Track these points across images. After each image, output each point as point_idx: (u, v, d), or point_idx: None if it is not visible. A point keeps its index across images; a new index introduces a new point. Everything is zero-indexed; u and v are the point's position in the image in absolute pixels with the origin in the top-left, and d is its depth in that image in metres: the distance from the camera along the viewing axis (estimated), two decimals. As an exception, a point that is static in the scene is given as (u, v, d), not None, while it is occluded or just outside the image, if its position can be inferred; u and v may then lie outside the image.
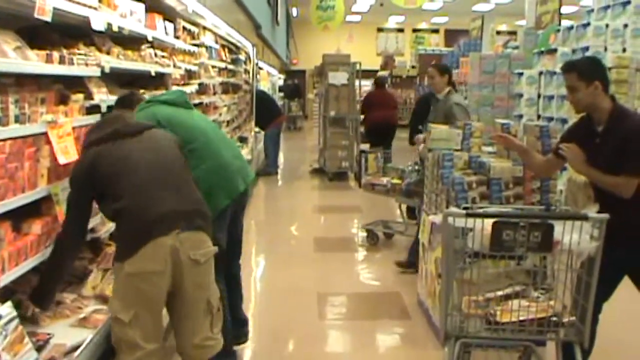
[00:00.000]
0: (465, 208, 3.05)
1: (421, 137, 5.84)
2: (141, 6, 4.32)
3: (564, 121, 7.27)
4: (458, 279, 2.95)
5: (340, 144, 11.68)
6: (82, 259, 3.53)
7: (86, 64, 3.32)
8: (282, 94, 23.02)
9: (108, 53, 3.79)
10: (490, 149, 4.74)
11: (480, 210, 3.01)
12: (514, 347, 3.67)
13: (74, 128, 3.09)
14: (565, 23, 9.52)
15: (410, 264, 5.87)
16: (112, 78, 3.90)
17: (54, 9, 2.77)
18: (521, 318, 2.85)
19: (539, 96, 8.58)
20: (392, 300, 5.31)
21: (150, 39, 4.53)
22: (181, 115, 3.63)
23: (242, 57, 10.89)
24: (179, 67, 5.48)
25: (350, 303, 5.38)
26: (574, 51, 8.02)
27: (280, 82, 24.65)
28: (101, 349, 3.03)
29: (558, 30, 9.04)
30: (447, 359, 2.96)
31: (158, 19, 4.84)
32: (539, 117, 8.43)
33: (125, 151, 2.91)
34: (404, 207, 6.99)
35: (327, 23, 19.35)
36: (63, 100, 3.17)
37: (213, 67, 7.65)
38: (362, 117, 11.36)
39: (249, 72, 11.72)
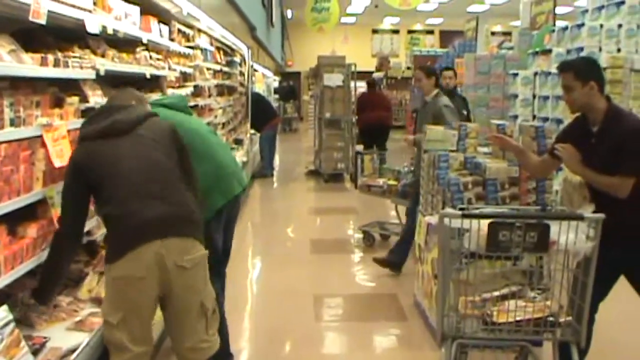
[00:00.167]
0: (461, 209, 3.05)
1: (410, 137, 5.85)
2: (136, 9, 4.31)
3: (559, 121, 7.29)
4: (454, 279, 2.95)
5: (336, 146, 11.69)
6: (78, 261, 3.52)
7: (81, 67, 3.31)
8: (277, 96, 23.02)
9: (103, 56, 3.78)
10: (485, 149, 4.75)
11: (477, 211, 3.01)
12: (511, 348, 3.68)
13: (69, 131, 3.08)
14: (560, 23, 9.56)
15: (393, 264, 5.87)
16: (107, 81, 3.89)
17: (49, 12, 2.76)
18: (518, 318, 2.85)
19: (534, 97, 8.60)
20: (389, 302, 5.31)
21: (145, 41, 4.52)
22: (180, 119, 3.65)
23: (237, 59, 10.89)
24: (174, 70, 5.48)
25: (346, 305, 5.37)
26: (568, 51, 8.05)
27: (276, 84, 24.66)
28: (97, 352, 3.03)
29: (553, 31, 9.06)
30: (444, 360, 2.96)
31: (153, 22, 4.84)
32: (534, 117, 8.46)
33: (115, 155, 2.89)
34: (400, 208, 6.98)
35: (322, 25, 19.35)
36: (58, 103, 3.16)
37: (208, 69, 7.64)
38: (355, 118, 11.40)
39: (244, 74, 11.73)
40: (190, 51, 6.45)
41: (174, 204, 2.90)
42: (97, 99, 3.54)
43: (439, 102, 5.69)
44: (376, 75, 17.44)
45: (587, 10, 8.52)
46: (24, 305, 3.07)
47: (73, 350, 2.84)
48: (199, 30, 7.13)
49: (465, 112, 7.59)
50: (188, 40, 6.51)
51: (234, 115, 10.30)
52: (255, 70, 14.96)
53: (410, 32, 30.66)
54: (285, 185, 12.09)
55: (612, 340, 4.11)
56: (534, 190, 4.28)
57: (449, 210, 3.19)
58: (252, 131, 11.97)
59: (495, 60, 10.48)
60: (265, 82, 19.08)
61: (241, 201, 4.08)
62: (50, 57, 3.00)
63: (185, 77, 6.15)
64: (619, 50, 7.58)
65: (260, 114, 11.86)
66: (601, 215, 2.74)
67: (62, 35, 3.47)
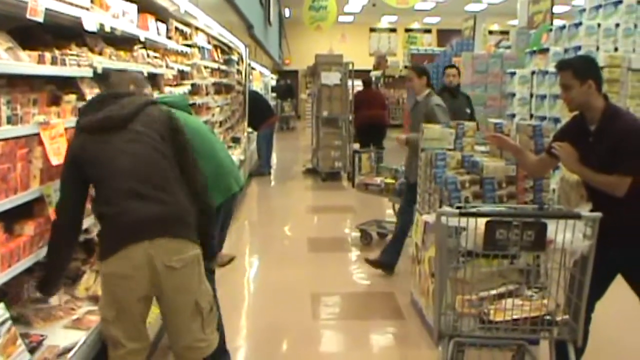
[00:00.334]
0: (458, 207, 3.06)
1: (402, 137, 5.84)
2: (133, 7, 4.31)
3: (557, 120, 7.29)
4: (451, 278, 2.95)
5: (333, 144, 11.69)
6: (75, 259, 3.51)
7: (78, 65, 3.31)
8: (274, 94, 23.00)
9: (100, 54, 3.78)
10: (483, 148, 4.75)
11: (474, 210, 3.00)
12: (508, 346, 3.68)
13: (66, 129, 3.07)
14: (558, 22, 9.55)
15: (385, 265, 5.87)
16: (105, 79, 3.88)
17: (46, 9, 2.76)
18: (515, 317, 2.86)
19: (531, 95, 8.60)
20: (386, 300, 5.32)
21: (142, 39, 4.52)
22: (181, 118, 3.63)
23: (235, 57, 10.88)
24: (172, 68, 5.47)
25: (343, 303, 5.38)
26: (566, 50, 8.04)
27: (273, 83, 24.64)
28: (94, 350, 3.03)
29: (550, 30, 9.06)
30: (441, 358, 2.96)
31: (150, 20, 4.83)
32: (531, 116, 8.45)
33: (109, 153, 2.87)
34: (397, 206, 6.99)
35: (320, 23, 19.35)
36: (55, 101, 3.15)
37: (205, 67, 7.64)
38: (352, 116, 11.43)
39: (241, 73, 11.72)
40: (188, 49, 6.44)
41: (167, 204, 2.88)
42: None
43: (431, 102, 5.64)
44: (374, 74, 17.46)
45: (584, 10, 8.52)
46: (29, 298, 3.13)
47: (70, 348, 2.85)
48: (197, 29, 7.13)
49: (468, 111, 7.59)
50: (185, 38, 6.51)
51: (231, 113, 10.30)
52: (253, 69, 14.95)
53: (407, 30, 30.69)
54: (283, 184, 12.09)
55: (608, 339, 4.12)
56: (531, 189, 4.28)
57: (446, 208, 3.19)
58: (250, 129, 11.97)
59: (492, 59, 10.49)
60: (262, 80, 19.08)
61: (238, 200, 4.08)
62: (48, 55, 2.99)
63: (182, 75, 6.15)
64: (616, 49, 7.58)
65: (258, 112, 11.85)
66: (598, 214, 2.74)
67: (60, 33, 3.46)
